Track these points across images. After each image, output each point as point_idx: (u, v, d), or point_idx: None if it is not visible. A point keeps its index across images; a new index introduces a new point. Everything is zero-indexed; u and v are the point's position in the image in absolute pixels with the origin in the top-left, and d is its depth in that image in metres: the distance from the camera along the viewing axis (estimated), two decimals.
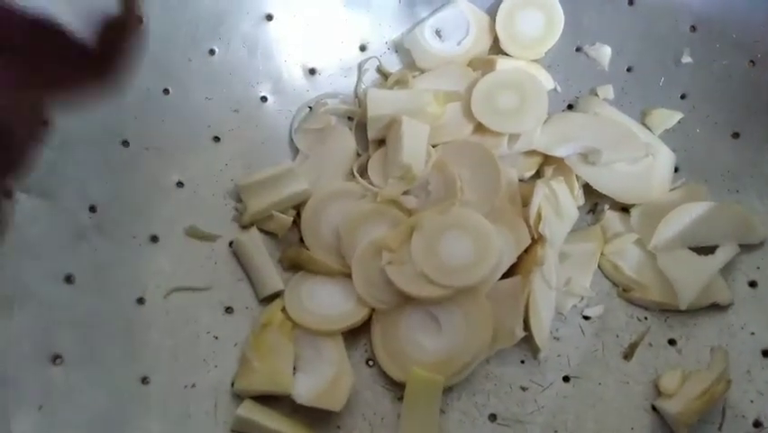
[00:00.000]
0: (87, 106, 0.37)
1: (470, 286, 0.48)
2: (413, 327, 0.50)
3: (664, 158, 0.55)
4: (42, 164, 0.48)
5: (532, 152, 0.55)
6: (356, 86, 0.59)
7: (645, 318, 0.53)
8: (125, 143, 0.52)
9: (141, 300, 0.50)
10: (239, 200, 0.54)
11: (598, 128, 0.55)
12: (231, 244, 0.54)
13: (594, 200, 0.56)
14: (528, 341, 0.50)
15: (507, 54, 0.58)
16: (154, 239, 0.52)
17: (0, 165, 0.37)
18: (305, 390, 0.48)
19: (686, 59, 0.57)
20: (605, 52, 0.58)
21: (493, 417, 0.50)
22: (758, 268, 0.52)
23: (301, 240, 0.54)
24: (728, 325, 0.51)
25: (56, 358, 0.45)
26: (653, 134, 0.56)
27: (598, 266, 0.54)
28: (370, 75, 0.59)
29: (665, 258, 0.52)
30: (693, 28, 0.57)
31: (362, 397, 0.50)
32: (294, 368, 0.49)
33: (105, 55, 0.37)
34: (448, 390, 0.50)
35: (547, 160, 0.56)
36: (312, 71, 0.59)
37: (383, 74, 0.59)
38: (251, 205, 0.53)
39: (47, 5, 0.35)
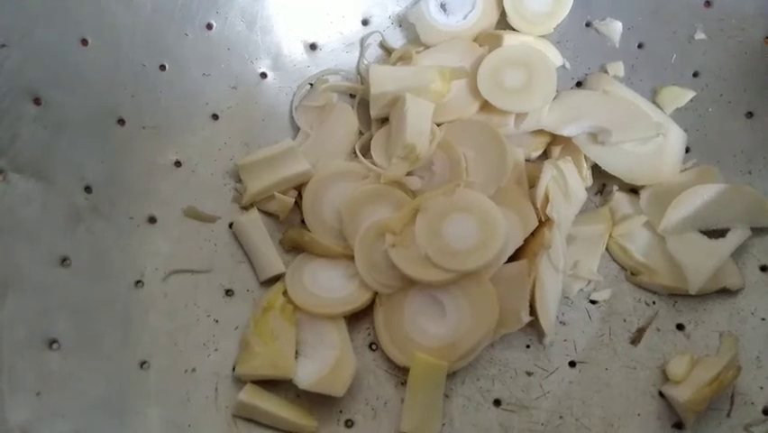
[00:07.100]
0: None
1: (476, 270, 0.47)
2: (417, 311, 0.49)
3: (675, 138, 0.54)
4: (36, 144, 0.47)
5: (539, 132, 0.54)
6: (358, 62, 0.58)
7: (653, 303, 0.52)
8: (121, 122, 0.51)
9: (139, 283, 0.49)
10: (238, 180, 0.53)
11: (607, 107, 0.54)
12: (231, 225, 0.53)
13: (602, 181, 0.55)
14: (534, 325, 0.49)
15: (514, 29, 0.57)
16: (152, 220, 0.51)
17: None
18: (306, 374, 0.47)
19: (699, 35, 0.56)
20: (615, 28, 0.57)
21: (498, 402, 0.49)
22: None
23: (303, 221, 0.53)
24: (738, 310, 0.51)
25: (52, 343, 0.45)
26: (664, 113, 0.55)
27: (606, 249, 0.53)
28: (373, 50, 0.58)
29: (675, 241, 0.51)
30: (707, 3, 0.56)
31: (365, 382, 0.50)
32: (296, 352, 0.48)
33: None
34: (452, 375, 0.49)
35: (555, 139, 0.55)
36: (313, 46, 0.57)
37: (386, 49, 0.58)
38: (251, 185, 0.52)
39: None
